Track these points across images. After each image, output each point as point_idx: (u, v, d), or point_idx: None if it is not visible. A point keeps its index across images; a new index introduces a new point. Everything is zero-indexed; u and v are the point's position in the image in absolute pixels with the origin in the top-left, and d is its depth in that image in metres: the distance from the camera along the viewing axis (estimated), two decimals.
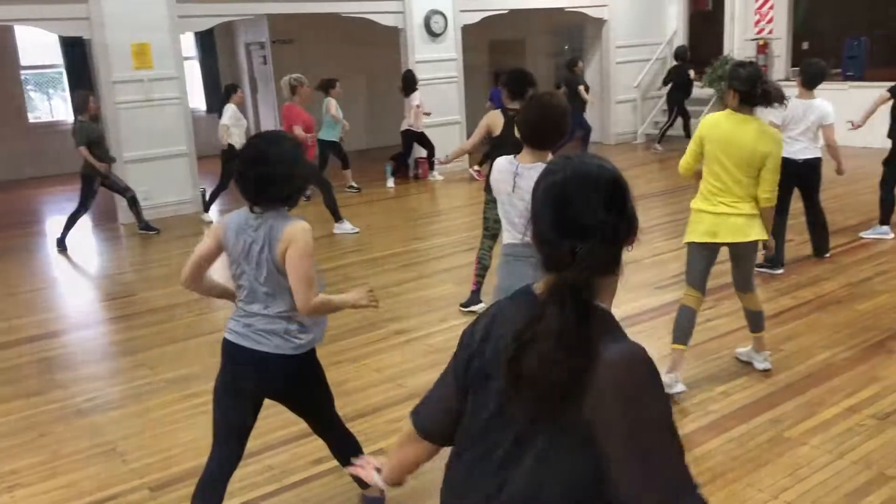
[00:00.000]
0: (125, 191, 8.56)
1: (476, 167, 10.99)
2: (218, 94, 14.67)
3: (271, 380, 2.86)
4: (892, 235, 6.97)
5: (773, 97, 3.96)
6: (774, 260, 6.17)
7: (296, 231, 2.71)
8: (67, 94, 13.19)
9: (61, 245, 8.20)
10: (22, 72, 13.23)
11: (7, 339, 5.64)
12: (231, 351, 2.85)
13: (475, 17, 11.84)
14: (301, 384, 2.95)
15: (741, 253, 4.25)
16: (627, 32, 13.51)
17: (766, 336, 4.84)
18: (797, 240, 6.66)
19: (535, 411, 1.40)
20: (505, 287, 3.39)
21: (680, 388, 4.17)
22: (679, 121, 12.67)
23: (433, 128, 11.02)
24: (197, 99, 14.15)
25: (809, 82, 6.04)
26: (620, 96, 13.64)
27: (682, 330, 4.24)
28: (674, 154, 12.25)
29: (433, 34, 11.33)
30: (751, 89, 3.92)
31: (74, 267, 7.97)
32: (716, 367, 4.56)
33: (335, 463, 3.33)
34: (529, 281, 1.53)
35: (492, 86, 11.46)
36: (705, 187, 4.13)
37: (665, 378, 4.11)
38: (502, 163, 3.50)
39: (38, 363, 5.15)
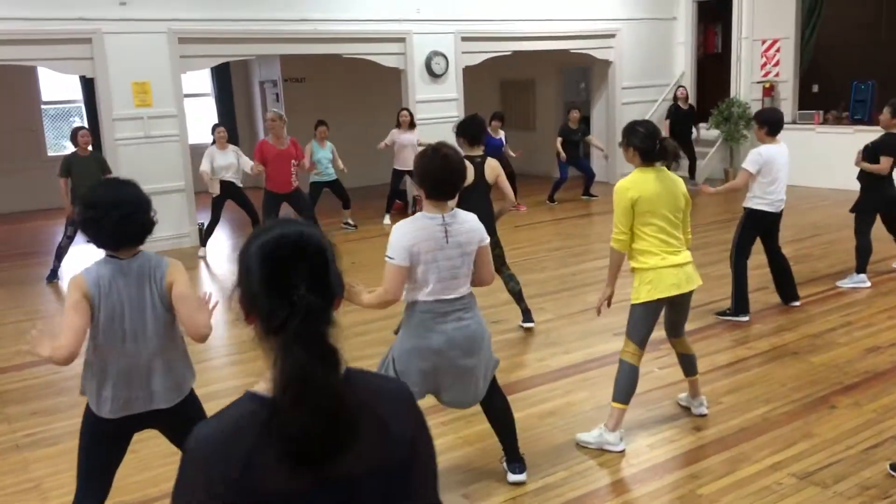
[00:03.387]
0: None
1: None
2: (234, 129, 15.09)
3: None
4: (868, 284, 6.86)
5: (669, 153, 3.99)
6: (737, 308, 6.12)
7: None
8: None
9: (52, 278, 8.40)
10: (43, 106, 13.69)
11: None
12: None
13: (477, 59, 12.01)
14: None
15: (687, 300, 4.24)
16: (634, 74, 13.56)
17: (710, 388, 4.83)
18: (770, 287, 6.59)
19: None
20: (422, 348, 3.40)
21: (623, 446, 4.13)
22: (684, 162, 12.64)
23: None
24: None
25: (775, 130, 6.02)
26: None
27: (627, 389, 4.16)
28: None
29: (434, 75, 11.51)
30: (650, 145, 3.96)
31: (61, 299, 8.17)
32: (651, 418, 4.53)
33: None
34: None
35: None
36: (648, 246, 4.02)
37: (609, 437, 4.10)
38: (419, 221, 3.39)
39: None
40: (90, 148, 8.34)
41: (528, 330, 6.14)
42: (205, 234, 9.50)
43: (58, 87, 13.55)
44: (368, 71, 11.96)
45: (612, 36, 13.27)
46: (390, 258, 3.34)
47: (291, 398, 1.31)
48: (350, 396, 1.36)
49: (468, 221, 3.46)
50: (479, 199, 5.76)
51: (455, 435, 4.36)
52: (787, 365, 5.25)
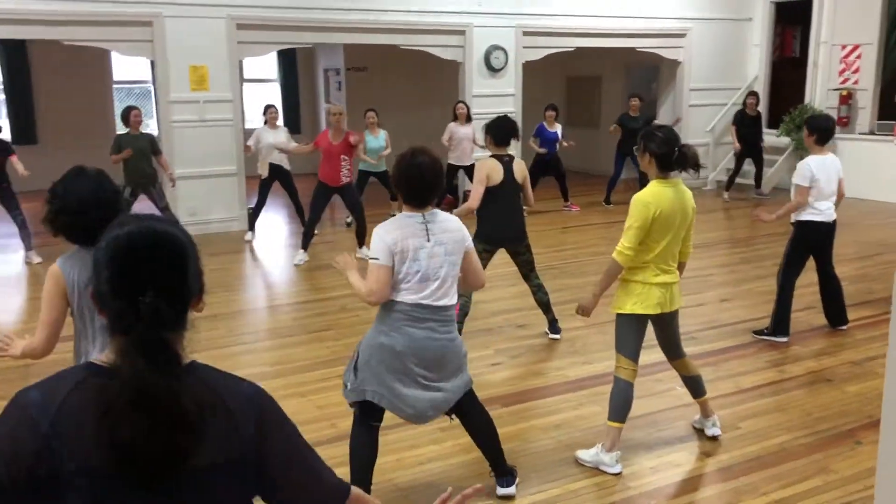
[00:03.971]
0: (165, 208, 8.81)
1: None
2: (297, 116, 15.27)
3: None
4: None
5: (688, 162, 3.76)
6: (776, 328, 5.82)
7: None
8: (154, 107, 13.93)
9: None
10: (114, 86, 14.10)
11: None
12: None
13: (538, 54, 11.80)
14: None
15: (672, 320, 4.05)
16: (704, 75, 13.12)
17: (730, 412, 4.60)
18: (819, 307, 6.23)
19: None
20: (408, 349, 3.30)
21: (619, 468, 3.95)
22: (751, 169, 12.18)
23: None
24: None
25: (825, 139, 5.68)
26: (692, 140, 13.20)
27: (622, 406, 3.99)
28: (740, 204, 11.79)
29: (493, 69, 11.35)
30: (668, 152, 3.74)
31: None
32: (659, 439, 4.32)
33: None
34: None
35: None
36: (645, 260, 3.84)
37: (605, 457, 3.93)
38: (399, 220, 3.34)
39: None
40: (141, 128, 8.53)
41: (554, 340, 5.97)
42: (251, 218, 9.59)
43: (129, 67, 13.92)
44: (427, 63, 11.90)
45: (682, 35, 12.85)
46: (374, 259, 3.27)
47: (124, 405, 1.27)
48: (192, 400, 1.31)
49: (449, 221, 3.38)
50: (507, 199, 5.63)
51: (453, 442, 4.25)
52: (818, 392, 4.94)
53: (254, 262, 8.99)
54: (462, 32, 11.11)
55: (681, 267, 4.07)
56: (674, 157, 3.76)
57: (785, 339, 5.81)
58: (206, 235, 9.56)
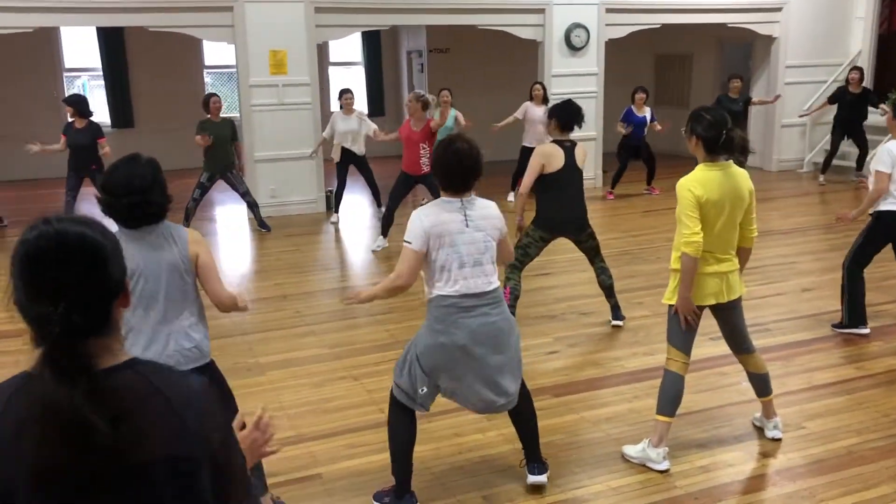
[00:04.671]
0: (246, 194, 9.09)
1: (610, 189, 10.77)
2: (381, 99, 15.33)
3: None
4: None
5: (735, 146, 3.52)
6: (852, 318, 5.46)
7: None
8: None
9: None
10: (205, 71, 14.51)
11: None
12: None
13: (622, 32, 11.42)
14: None
15: (732, 311, 3.82)
16: (801, 52, 12.39)
17: (796, 409, 4.34)
18: None
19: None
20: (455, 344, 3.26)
21: (666, 465, 3.79)
22: (853, 150, 11.48)
23: None
24: (358, 103, 14.76)
25: None
26: (787, 120, 12.56)
27: (672, 400, 3.81)
28: (838, 188, 11.14)
29: (573, 48, 11.06)
30: (715, 135, 3.51)
31: None
32: (715, 437, 4.11)
33: None
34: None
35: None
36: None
37: (651, 453, 3.77)
38: (437, 205, 3.31)
39: None
40: (222, 114, 8.75)
41: (617, 327, 5.77)
42: (335, 200, 9.64)
43: (220, 52, 14.27)
44: (508, 44, 11.69)
45: (779, 10, 12.18)
46: (407, 242, 3.25)
47: (32, 421, 1.24)
48: (103, 410, 1.25)
49: (487, 208, 3.37)
50: (568, 186, 5.47)
51: (496, 432, 4.16)
52: None
53: (330, 245, 9.08)
54: (542, 11, 10.86)
55: (744, 253, 3.84)
56: (721, 140, 3.53)
57: (866, 331, 5.44)
58: (286, 217, 9.77)
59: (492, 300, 3.31)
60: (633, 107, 10.54)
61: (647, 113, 10.55)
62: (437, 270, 3.26)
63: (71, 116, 8.62)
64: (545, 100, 10.12)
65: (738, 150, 3.57)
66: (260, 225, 9.22)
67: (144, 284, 2.86)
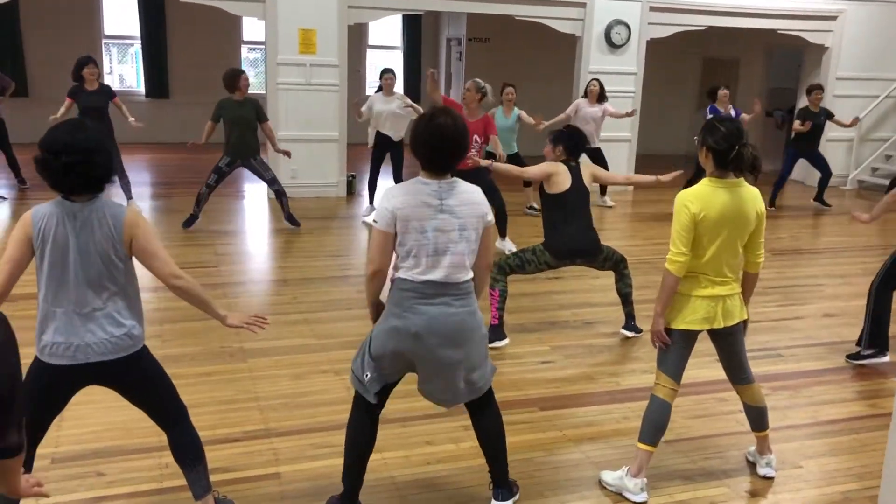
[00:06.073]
0: (273, 182, 8.27)
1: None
2: (418, 84, 15.13)
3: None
4: None
5: (745, 163, 3.24)
6: (873, 342, 5.13)
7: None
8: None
9: (188, 224, 8.22)
10: (243, 46, 14.46)
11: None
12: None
13: (665, 32, 11.04)
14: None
15: (730, 338, 3.54)
16: (855, 63, 11.89)
17: (796, 446, 4.05)
18: None
19: None
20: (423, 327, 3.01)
21: (643, 497, 3.53)
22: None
23: (602, 143, 10.29)
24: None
25: None
26: (834, 134, 12.04)
27: (656, 428, 3.55)
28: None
29: (613, 45, 10.72)
30: (727, 149, 3.23)
31: (185, 242, 8.51)
32: (702, 469, 3.84)
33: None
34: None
35: (710, 102, 10.13)
36: (694, 269, 3.37)
37: (629, 483, 3.53)
38: (411, 185, 3.03)
39: None
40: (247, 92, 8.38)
41: (626, 338, 5.52)
42: (368, 192, 9.12)
43: (257, 27, 14.19)
44: (547, 36, 11.37)
45: (833, 18, 11.67)
46: (374, 222, 3.01)
47: None
48: None
49: (469, 193, 3.05)
50: (577, 207, 5.26)
51: (472, 443, 3.91)
52: None
53: (344, 231, 8.90)
54: (583, 5, 10.54)
55: (749, 279, 3.56)
56: (731, 154, 3.26)
57: (886, 359, 5.12)
58: (303, 199, 9.63)
59: (459, 292, 3.03)
60: (715, 104, 9.93)
61: (730, 111, 9.73)
62: (403, 255, 3.01)
63: (87, 78, 8.22)
64: (600, 98, 9.74)
65: (747, 168, 3.30)
66: (287, 219, 8.38)
67: (62, 270, 2.71)
